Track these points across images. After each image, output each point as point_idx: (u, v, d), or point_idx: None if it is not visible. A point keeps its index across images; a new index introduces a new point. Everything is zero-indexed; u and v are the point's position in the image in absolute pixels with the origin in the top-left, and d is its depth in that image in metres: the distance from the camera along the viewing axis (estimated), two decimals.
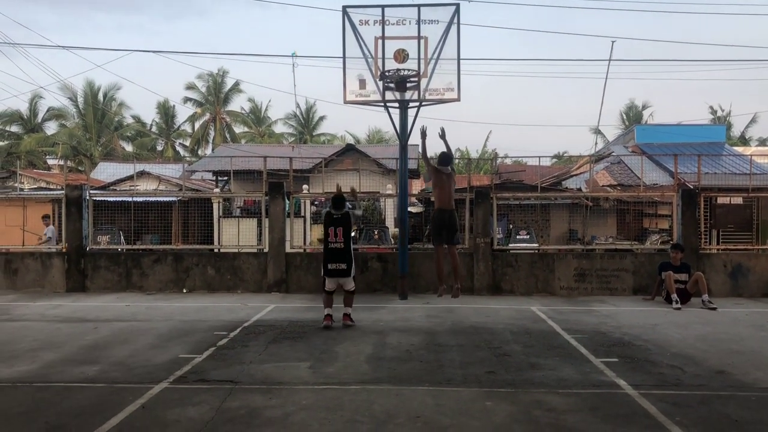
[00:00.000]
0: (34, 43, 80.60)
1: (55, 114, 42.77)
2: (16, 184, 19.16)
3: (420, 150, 10.38)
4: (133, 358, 7.08)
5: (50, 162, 38.55)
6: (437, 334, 8.44)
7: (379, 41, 11.66)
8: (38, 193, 18.24)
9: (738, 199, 13.78)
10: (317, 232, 16.96)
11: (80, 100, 42.26)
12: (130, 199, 15.04)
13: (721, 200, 13.83)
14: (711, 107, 46.84)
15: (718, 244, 14.04)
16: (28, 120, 42.31)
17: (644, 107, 46.80)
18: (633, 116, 45.72)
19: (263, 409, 5.29)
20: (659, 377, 6.36)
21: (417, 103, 11.89)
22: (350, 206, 9.73)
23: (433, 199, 10.11)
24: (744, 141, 43.07)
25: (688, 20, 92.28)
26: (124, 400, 5.51)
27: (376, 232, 16.77)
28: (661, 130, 24.29)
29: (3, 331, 8.80)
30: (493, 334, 8.49)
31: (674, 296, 10.91)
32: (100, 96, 42.66)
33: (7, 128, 41.95)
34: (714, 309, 10.72)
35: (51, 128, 43.10)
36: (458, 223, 9.97)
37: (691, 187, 13.63)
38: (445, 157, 10.01)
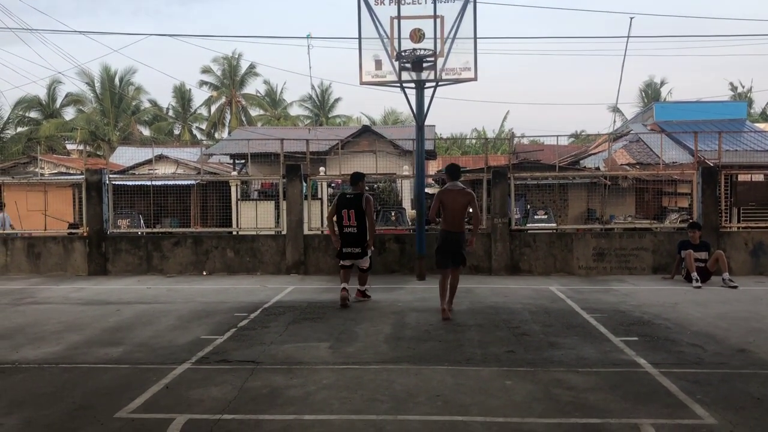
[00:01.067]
0: (52, 28, 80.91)
1: (74, 99, 43.06)
2: (36, 169, 19.36)
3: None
4: (156, 340, 7.18)
5: (69, 147, 38.89)
6: (456, 314, 8.45)
7: (395, 21, 11.56)
8: (58, 177, 18.42)
9: (759, 177, 13.61)
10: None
11: (97, 85, 42.51)
12: (149, 182, 15.16)
13: (742, 178, 13.69)
14: (731, 83, 46.18)
15: (738, 222, 13.88)
16: (47, 105, 42.62)
17: (662, 84, 46.21)
18: (651, 94, 45.13)
19: (285, 388, 5.35)
20: (679, 356, 6.34)
21: (433, 83, 11.80)
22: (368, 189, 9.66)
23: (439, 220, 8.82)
24: (765, 117, 42.40)
25: None
26: (148, 380, 5.59)
27: (393, 214, 16.79)
28: (681, 107, 23.98)
29: (28, 313, 8.96)
30: (512, 314, 8.50)
31: (694, 275, 10.84)
32: (117, 81, 42.88)
33: (27, 114, 42.30)
34: (735, 287, 10.64)
35: (69, 113, 43.45)
36: (465, 246, 8.57)
37: (712, 164, 13.47)
38: (454, 170, 8.83)
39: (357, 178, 9.54)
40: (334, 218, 9.45)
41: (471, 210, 8.60)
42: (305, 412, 4.78)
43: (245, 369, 5.93)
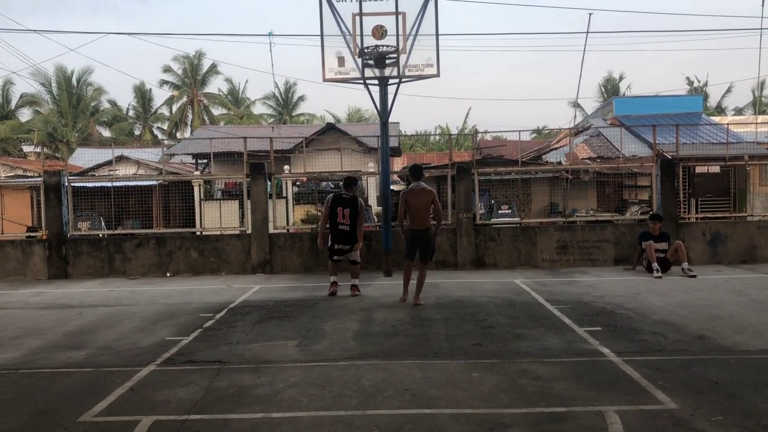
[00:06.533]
0: (5, 27, 78.86)
1: (29, 100, 42.05)
2: None
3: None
4: (120, 342, 7.07)
5: (26, 149, 37.99)
6: (422, 309, 8.50)
7: (357, 18, 11.55)
8: (16, 180, 17.99)
9: (715, 168, 13.94)
10: (300, 212, 16.93)
11: (54, 85, 41.53)
12: (109, 184, 14.89)
13: (699, 169, 13.99)
14: (687, 78, 47.28)
15: (696, 212, 14.22)
16: (1, 107, 41.55)
17: (621, 79, 47.06)
18: (611, 89, 45.97)
19: (252, 387, 5.32)
20: (641, 344, 6.47)
21: (397, 80, 11.82)
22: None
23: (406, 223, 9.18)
24: (720, 111, 43.56)
25: None
26: (113, 383, 5.50)
27: None
28: (639, 101, 24.46)
29: None
30: (478, 307, 8.58)
31: (655, 265, 11.07)
32: (74, 81, 41.96)
33: None
34: (694, 276, 10.90)
35: (25, 115, 42.40)
36: (433, 242, 9.17)
37: (670, 157, 13.76)
38: (417, 170, 9.26)
39: (352, 182, 10.12)
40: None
41: (434, 207, 8.98)
42: (273, 410, 4.76)
43: (212, 369, 5.87)
